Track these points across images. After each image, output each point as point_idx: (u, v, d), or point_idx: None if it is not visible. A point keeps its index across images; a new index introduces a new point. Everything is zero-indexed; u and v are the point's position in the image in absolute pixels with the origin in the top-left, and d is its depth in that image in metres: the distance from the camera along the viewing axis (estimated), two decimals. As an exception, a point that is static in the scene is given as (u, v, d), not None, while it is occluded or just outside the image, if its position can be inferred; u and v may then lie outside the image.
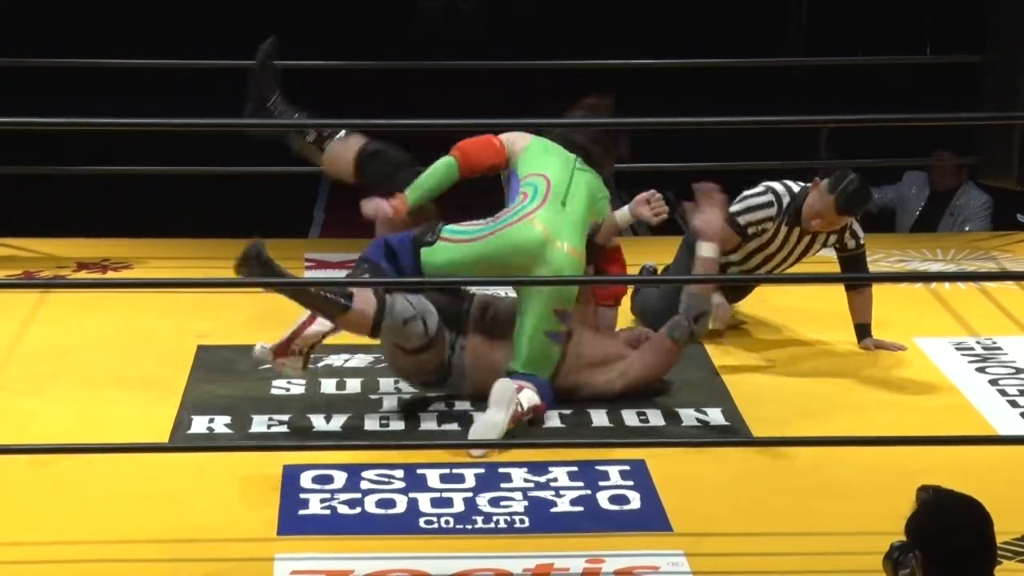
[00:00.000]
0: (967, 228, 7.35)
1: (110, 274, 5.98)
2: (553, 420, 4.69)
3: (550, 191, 4.78)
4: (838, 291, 5.41)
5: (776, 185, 5.32)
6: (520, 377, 4.61)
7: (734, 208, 5.23)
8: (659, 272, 5.50)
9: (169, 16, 11.33)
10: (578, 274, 4.78)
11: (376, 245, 4.74)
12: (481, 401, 4.71)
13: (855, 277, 5.41)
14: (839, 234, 5.29)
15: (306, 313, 4.65)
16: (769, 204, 5.29)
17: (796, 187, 5.32)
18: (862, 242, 5.34)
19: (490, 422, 4.47)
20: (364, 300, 4.54)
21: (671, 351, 4.81)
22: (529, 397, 4.58)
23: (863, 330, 5.32)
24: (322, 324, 4.62)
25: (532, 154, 4.87)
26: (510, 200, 4.84)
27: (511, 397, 4.50)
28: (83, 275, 6.02)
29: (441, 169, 4.81)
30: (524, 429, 4.55)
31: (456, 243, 4.71)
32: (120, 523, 4.06)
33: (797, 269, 5.46)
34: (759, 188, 5.34)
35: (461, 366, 4.76)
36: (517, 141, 4.89)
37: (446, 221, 4.79)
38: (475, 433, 4.47)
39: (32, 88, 7.83)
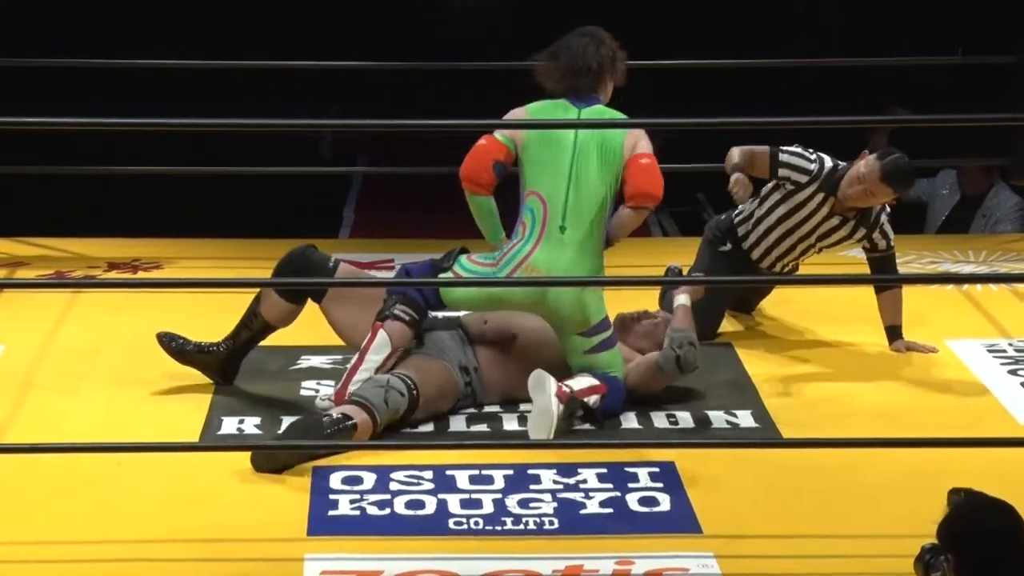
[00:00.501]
0: (999, 229, 7.33)
1: (141, 274, 6.00)
2: (577, 421, 4.68)
3: (547, 217, 4.67)
4: (867, 293, 5.39)
5: (826, 157, 5.28)
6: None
7: (783, 148, 5.22)
8: (684, 273, 5.49)
9: (197, 16, 11.36)
10: (595, 294, 4.74)
11: (400, 276, 4.80)
12: (510, 403, 4.73)
13: (884, 279, 5.39)
14: (868, 230, 5.26)
15: (354, 357, 4.69)
16: (811, 162, 5.23)
17: (843, 164, 5.26)
18: (892, 243, 5.32)
19: (538, 409, 4.47)
20: (363, 427, 4.49)
21: (659, 378, 4.79)
22: (579, 380, 4.59)
23: (894, 332, 5.31)
24: (370, 365, 4.66)
25: (530, 154, 4.70)
26: (517, 220, 4.74)
27: (545, 380, 4.49)
28: (114, 275, 6.04)
29: (478, 209, 4.74)
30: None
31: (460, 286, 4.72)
32: (150, 522, 4.07)
33: (825, 269, 5.44)
34: (812, 152, 5.30)
35: (481, 384, 4.77)
36: (516, 135, 4.72)
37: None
38: (531, 425, 4.48)
39: (66, 88, 7.87)
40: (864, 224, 5.28)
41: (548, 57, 4.81)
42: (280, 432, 4.51)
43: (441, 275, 4.72)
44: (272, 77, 9.12)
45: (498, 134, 4.72)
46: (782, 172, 5.26)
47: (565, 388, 4.54)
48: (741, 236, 5.39)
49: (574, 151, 4.70)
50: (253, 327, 4.85)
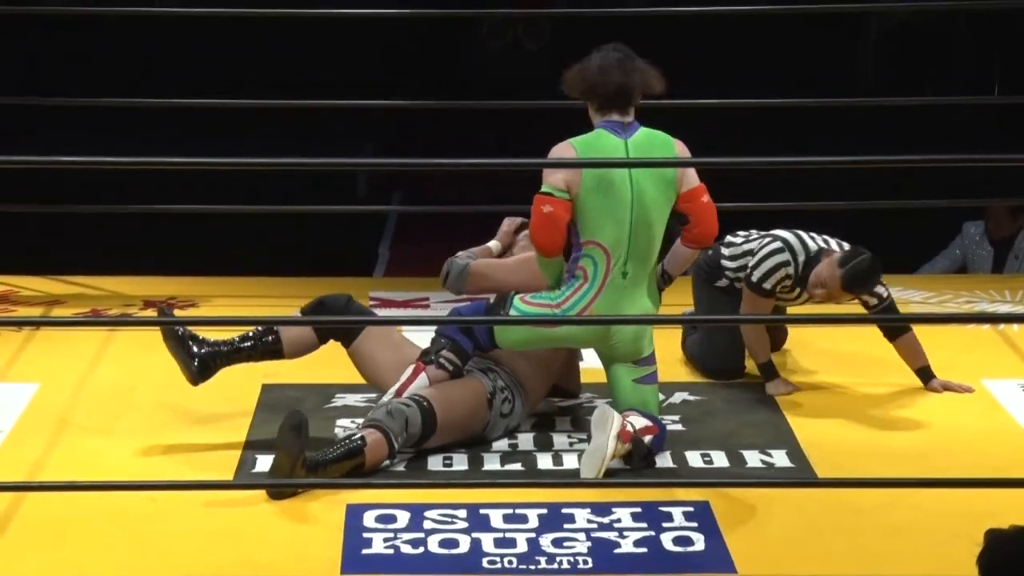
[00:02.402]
0: (1035, 268, 7.31)
1: (177, 312, 6.01)
2: (615, 461, 4.67)
3: (610, 265, 4.62)
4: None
5: (790, 238, 5.19)
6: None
7: (754, 275, 5.17)
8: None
9: (232, 55, 11.43)
10: (648, 333, 4.74)
11: (453, 317, 4.80)
12: (543, 417, 4.74)
13: (914, 318, 5.34)
14: (854, 295, 5.20)
15: (409, 370, 4.70)
16: (786, 263, 5.17)
17: (812, 244, 5.18)
18: (885, 296, 5.21)
19: (595, 448, 4.48)
20: (373, 450, 4.51)
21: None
22: (636, 420, 4.60)
23: (925, 373, 5.28)
24: (423, 380, 4.69)
25: (587, 203, 4.58)
26: (571, 269, 4.69)
27: (610, 418, 4.50)
28: (150, 313, 6.06)
29: (549, 267, 4.70)
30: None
31: (513, 327, 4.70)
32: (184, 559, 4.08)
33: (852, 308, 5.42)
34: (772, 245, 5.18)
35: (524, 396, 4.80)
36: (572, 183, 4.58)
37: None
38: (583, 462, 4.49)
39: (96, 126, 7.92)
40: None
41: (578, 70, 4.73)
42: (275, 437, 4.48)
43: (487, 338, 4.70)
44: (311, 116, 9.15)
45: (555, 191, 4.57)
46: (778, 288, 5.21)
47: (628, 428, 4.55)
48: (733, 279, 5.36)
49: (632, 194, 4.60)
50: (259, 342, 4.82)
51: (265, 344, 4.84)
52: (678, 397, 5.19)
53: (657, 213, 4.65)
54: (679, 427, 4.95)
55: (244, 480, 4.54)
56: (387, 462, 4.57)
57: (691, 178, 4.70)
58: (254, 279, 6.60)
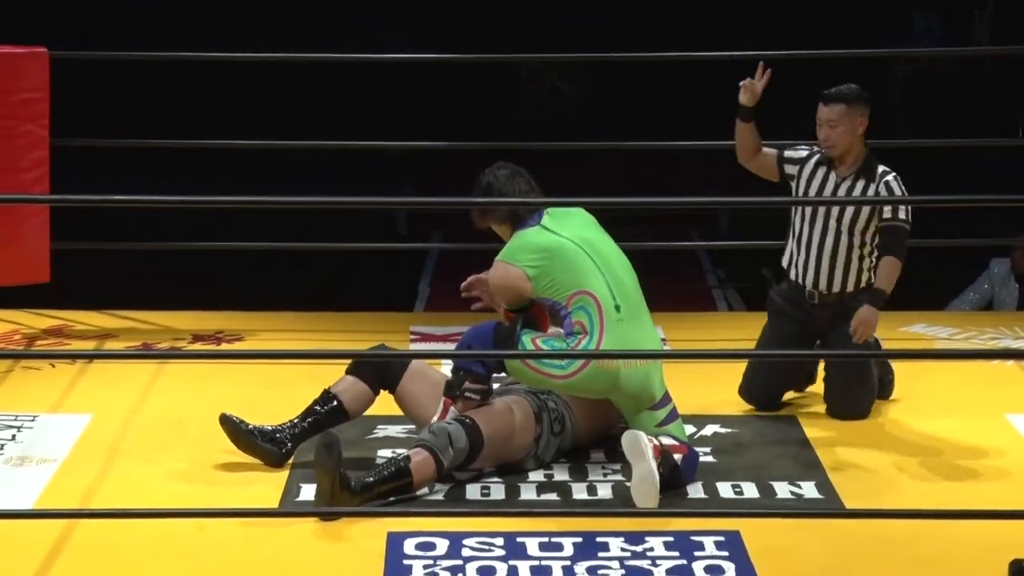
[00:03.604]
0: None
1: (224, 346, 6.04)
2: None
3: (601, 306, 4.68)
4: (926, 367, 5.33)
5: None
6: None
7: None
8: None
9: (272, 95, 11.50)
10: (657, 367, 4.75)
11: (463, 347, 4.77)
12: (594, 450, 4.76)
13: (939, 353, 5.32)
14: (868, 181, 5.17)
15: (439, 408, 4.73)
16: (801, 147, 5.30)
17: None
18: (901, 216, 5.14)
19: (640, 475, 4.49)
20: (420, 467, 4.54)
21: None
22: (665, 439, 4.62)
23: (875, 295, 5.11)
24: (454, 413, 4.72)
25: (544, 278, 4.70)
26: (567, 327, 4.69)
27: (641, 441, 4.51)
28: (198, 347, 6.08)
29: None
30: (622, 497, 4.54)
31: (537, 373, 4.67)
32: (231, 586, 4.09)
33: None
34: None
35: (573, 423, 4.81)
36: (524, 286, 4.73)
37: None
38: (635, 491, 4.50)
39: (151, 169, 7.97)
40: (864, 175, 5.19)
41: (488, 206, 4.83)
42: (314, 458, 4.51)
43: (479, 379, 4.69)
44: (356, 155, 9.20)
45: (509, 305, 4.77)
46: (787, 168, 5.27)
47: (657, 443, 4.56)
48: (788, 266, 5.33)
49: (576, 244, 4.74)
50: (323, 410, 4.82)
51: (330, 411, 4.81)
52: (709, 429, 5.18)
53: (610, 249, 4.80)
54: (710, 458, 4.93)
55: (289, 508, 4.55)
56: (436, 484, 4.58)
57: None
58: (298, 314, 6.63)
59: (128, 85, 11.10)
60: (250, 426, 4.82)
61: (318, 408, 4.83)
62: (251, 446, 4.80)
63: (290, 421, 4.83)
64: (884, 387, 5.43)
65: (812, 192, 5.26)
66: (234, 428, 4.82)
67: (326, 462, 4.41)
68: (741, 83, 5.29)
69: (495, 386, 4.86)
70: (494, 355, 4.69)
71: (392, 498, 4.53)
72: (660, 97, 12.20)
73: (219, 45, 6.97)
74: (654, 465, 4.49)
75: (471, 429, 4.62)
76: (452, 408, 4.72)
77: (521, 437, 4.73)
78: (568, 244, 4.74)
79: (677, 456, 4.61)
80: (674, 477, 4.60)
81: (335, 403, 4.82)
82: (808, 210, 5.25)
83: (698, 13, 13.19)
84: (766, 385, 5.34)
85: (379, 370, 4.86)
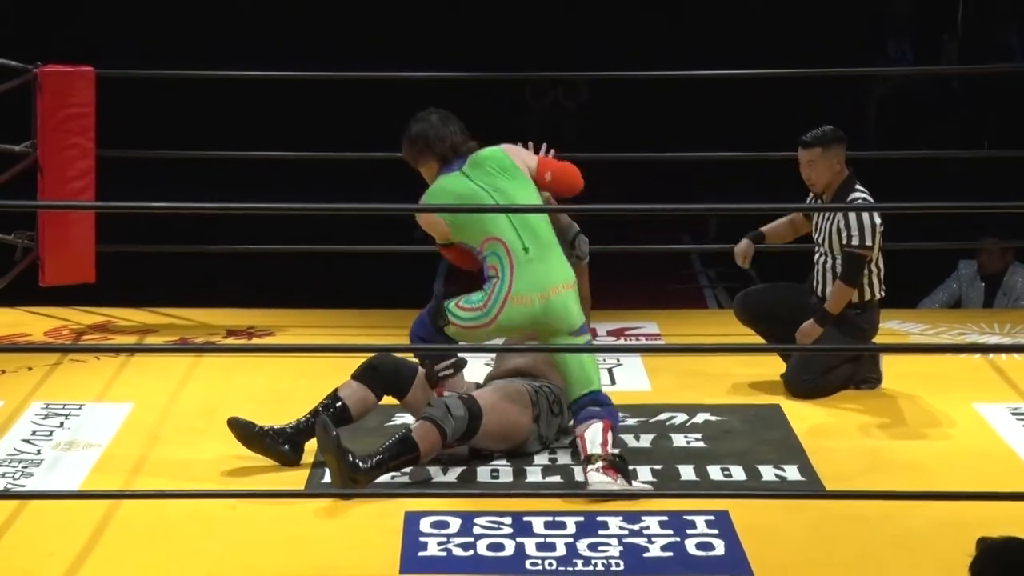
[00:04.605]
0: (1020, 304, 7.25)
1: (255, 340, 6.03)
2: (645, 474, 4.65)
3: (509, 249, 4.60)
4: (900, 360, 5.32)
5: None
6: (579, 413, 4.56)
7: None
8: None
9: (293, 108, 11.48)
10: (575, 298, 4.66)
11: (415, 339, 4.69)
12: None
13: (911, 348, 5.34)
14: (834, 200, 5.29)
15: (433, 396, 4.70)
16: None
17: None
18: (855, 243, 5.24)
19: (597, 485, 4.44)
20: (424, 438, 4.51)
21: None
22: (593, 438, 4.49)
23: (821, 315, 5.28)
24: (452, 387, 4.70)
25: (460, 221, 4.64)
26: (485, 275, 4.66)
27: (606, 480, 4.44)
28: (232, 341, 6.07)
29: None
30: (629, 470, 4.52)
31: (470, 329, 4.61)
32: (259, 560, 4.07)
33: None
34: None
35: (563, 407, 4.79)
36: (442, 231, 4.67)
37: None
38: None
39: (189, 177, 7.96)
40: (839, 201, 5.30)
41: (417, 141, 4.75)
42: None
43: (448, 332, 4.62)
44: (372, 165, 9.19)
45: (450, 240, 4.69)
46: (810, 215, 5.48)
47: (598, 454, 4.46)
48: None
49: (488, 191, 4.66)
50: (328, 413, 4.71)
51: (335, 412, 4.73)
52: (700, 417, 5.16)
53: (519, 191, 4.66)
54: (701, 444, 4.92)
55: (314, 490, 4.54)
56: (450, 467, 4.57)
57: (529, 159, 4.76)
58: (324, 310, 6.61)
59: (169, 99, 11.09)
60: (259, 427, 4.72)
61: (323, 410, 4.75)
62: (263, 447, 4.70)
63: (296, 421, 4.75)
64: (868, 383, 5.45)
65: (814, 222, 5.43)
66: (244, 431, 4.70)
67: (325, 444, 4.41)
68: (742, 262, 5.51)
69: (498, 382, 4.83)
70: (491, 349, 4.67)
71: (405, 470, 4.52)
72: (659, 109, 12.18)
73: (253, 62, 6.96)
74: (601, 477, 4.43)
75: (468, 400, 4.60)
76: (444, 393, 4.69)
77: (520, 415, 4.69)
78: (480, 192, 4.65)
79: (610, 439, 4.50)
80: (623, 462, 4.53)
81: (339, 404, 4.76)
82: (815, 233, 5.42)
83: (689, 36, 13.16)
84: (802, 370, 5.34)
85: (386, 378, 4.80)
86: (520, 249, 4.62)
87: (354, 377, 4.81)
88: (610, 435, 4.51)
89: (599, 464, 4.45)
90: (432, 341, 4.62)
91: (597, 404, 4.56)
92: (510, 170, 4.71)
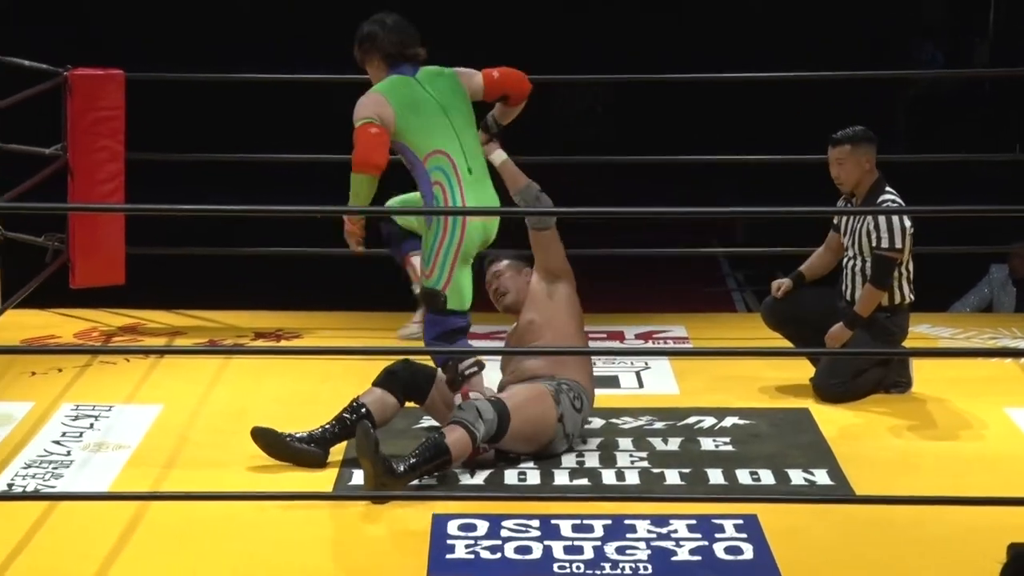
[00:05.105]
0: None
1: (283, 343, 6.05)
2: (673, 477, 4.65)
3: (456, 167, 4.73)
4: (930, 364, 5.31)
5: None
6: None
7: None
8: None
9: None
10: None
11: (433, 342, 4.80)
12: (608, 436, 4.70)
13: (943, 352, 5.33)
14: (864, 203, 5.30)
15: (458, 398, 4.73)
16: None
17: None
18: (884, 245, 5.26)
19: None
20: (456, 443, 4.53)
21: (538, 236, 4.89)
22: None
23: (850, 317, 5.29)
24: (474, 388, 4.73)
25: (408, 124, 4.72)
26: (424, 187, 4.75)
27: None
28: (260, 343, 6.09)
29: (365, 185, 4.73)
30: (648, 482, 4.52)
31: (450, 277, 4.72)
32: (288, 561, 4.09)
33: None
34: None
35: (583, 403, 4.79)
36: (383, 112, 4.71)
37: None
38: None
39: (217, 179, 7.99)
40: (869, 203, 5.31)
41: (366, 39, 4.84)
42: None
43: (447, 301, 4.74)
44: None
45: (374, 119, 4.70)
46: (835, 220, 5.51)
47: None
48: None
49: (441, 105, 4.76)
50: (352, 418, 4.74)
51: (359, 418, 4.74)
52: (729, 421, 5.15)
53: (466, 114, 4.81)
54: (730, 448, 4.91)
55: (342, 492, 4.55)
56: (477, 470, 4.59)
57: (474, 77, 4.88)
58: (350, 313, 6.63)
59: (197, 103, 11.13)
60: (283, 434, 4.73)
61: (347, 416, 4.76)
62: (290, 453, 4.70)
63: (320, 427, 4.76)
64: (898, 387, 5.44)
65: (842, 225, 5.42)
66: (269, 440, 4.71)
67: (365, 448, 4.42)
68: (776, 292, 5.50)
69: (518, 386, 4.83)
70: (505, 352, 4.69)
71: (435, 474, 4.53)
72: (685, 111, 12.18)
73: (280, 64, 6.99)
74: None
75: (497, 402, 4.61)
76: (471, 394, 4.69)
77: (545, 414, 4.70)
78: (433, 103, 4.75)
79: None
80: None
81: (363, 410, 4.77)
82: (844, 237, 5.41)
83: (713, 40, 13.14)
84: (832, 374, 5.34)
85: (405, 383, 4.81)
86: (465, 169, 4.74)
87: (375, 384, 4.83)
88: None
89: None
90: (446, 332, 4.70)
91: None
92: (461, 94, 4.82)
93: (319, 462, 4.70)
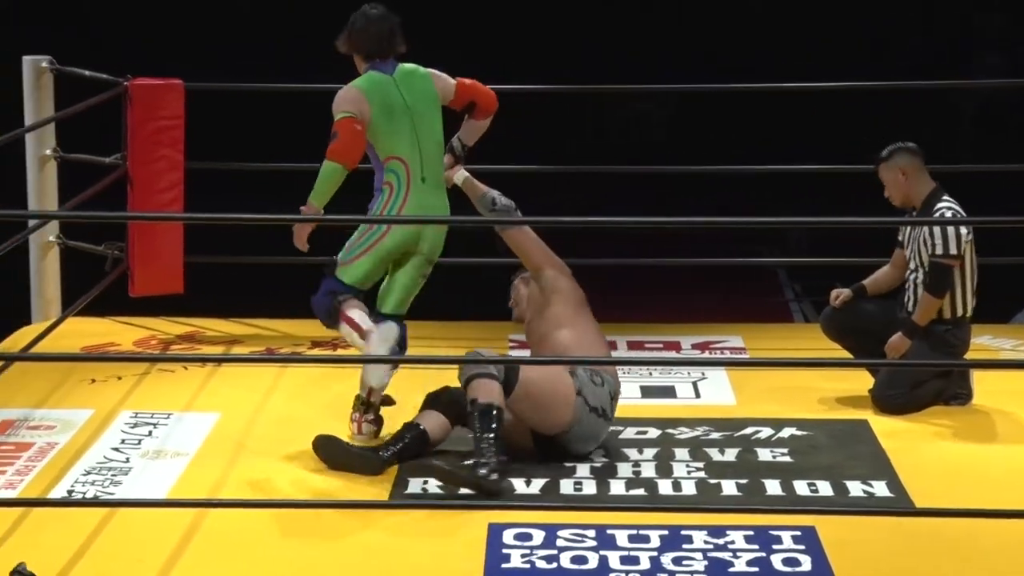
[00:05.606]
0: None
1: (340, 351, 6.07)
2: (730, 488, 4.63)
3: (410, 174, 4.91)
4: (991, 376, 5.27)
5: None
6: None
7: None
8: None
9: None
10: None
11: (320, 311, 5.00)
12: (664, 447, 4.69)
13: (1004, 364, 5.30)
14: (921, 213, 5.31)
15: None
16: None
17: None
18: (939, 252, 5.25)
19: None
20: (482, 389, 4.65)
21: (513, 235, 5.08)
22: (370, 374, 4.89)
23: (908, 325, 5.28)
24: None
25: (379, 127, 4.91)
26: (377, 183, 4.95)
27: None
28: (316, 352, 6.12)
29: (333, 176, 4.87)
30: (705, 493, 4.51)
31: (364, 253, 4.93)
32: (344, 570, 4.10)
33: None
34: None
35: (604, 379, 4.82)
36: (363, 109, 4.90)
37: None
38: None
39: (275, 188, 8.05)
40: (924, 213, 5.32)
41: (349, 32, 5.01)
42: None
43: (340, 276, 4.96)
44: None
45: (356, 115, 4.88)
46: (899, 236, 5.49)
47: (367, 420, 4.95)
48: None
49: (411, 112, 4.94)
50: (410, 436, 4.78)
51: (415, 439, 4.78)
52: (787, 432, 5.13)
53: (434, 124, 4.97)
54: (787, 458, 4.90)
55: (398, 500, 4.57)
56: (533, 479, 4.60)
57: (447, 81, 5.05)
58: (410, 322, 6.63)
59: (256, 112, 11.21)
60: (344, 444, 4.80)
61: (407, 435, 4.79)
62: (349, 460, 4.74)
63: (383, 443, 4.80)
64: (958, 400, 5.40)
65: (905, 239, 5.43)
66: (332, 449, 4.76)
67: (455, 479, 4.52)
68: (835, 301, 5.48)
69: None
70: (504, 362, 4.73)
71: (493, 477, 4.53)
72: (743, 120, 12.14)
73: (332, 76, 7.02)
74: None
75: (506, 364, 4.69)
76: (350, 313, 4.88)
77: (559, 381, 4.74)
78: (403, 109, 4.92)
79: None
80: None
81: (420, 429, 4.81)
82: (906, 251, 5.42)
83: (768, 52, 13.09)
84: (891, 385, 5.32)
85: (447, 404, 4.83)
86: (418, 177, 4.92)
87: (425, 407, 4.88)
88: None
89: (371, 415, 4.95)
90: (327, 292, 4.95)
91: (399, 342, 4.90)
92: (431, 99, 4.98)
93: (377, 470, 4.73)
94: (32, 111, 6.26)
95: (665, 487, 4.66)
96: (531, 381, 4.70)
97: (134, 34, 12.60)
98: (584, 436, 4.80)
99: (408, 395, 5.08)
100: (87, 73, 6.33)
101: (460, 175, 5.10)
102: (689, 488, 4.65)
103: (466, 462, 4.57)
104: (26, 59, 6.31)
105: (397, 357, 4.93)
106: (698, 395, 5.58)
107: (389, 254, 4.97)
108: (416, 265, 4.98)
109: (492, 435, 4.57)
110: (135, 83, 6.25)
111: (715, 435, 5.08)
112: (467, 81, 5.08)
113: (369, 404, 4.99)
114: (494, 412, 4.58)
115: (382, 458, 4.73)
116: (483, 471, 4.50)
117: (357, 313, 4.86)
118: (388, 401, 5.06)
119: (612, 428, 4.97)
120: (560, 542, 4.23)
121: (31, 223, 5.96)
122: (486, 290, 8.65)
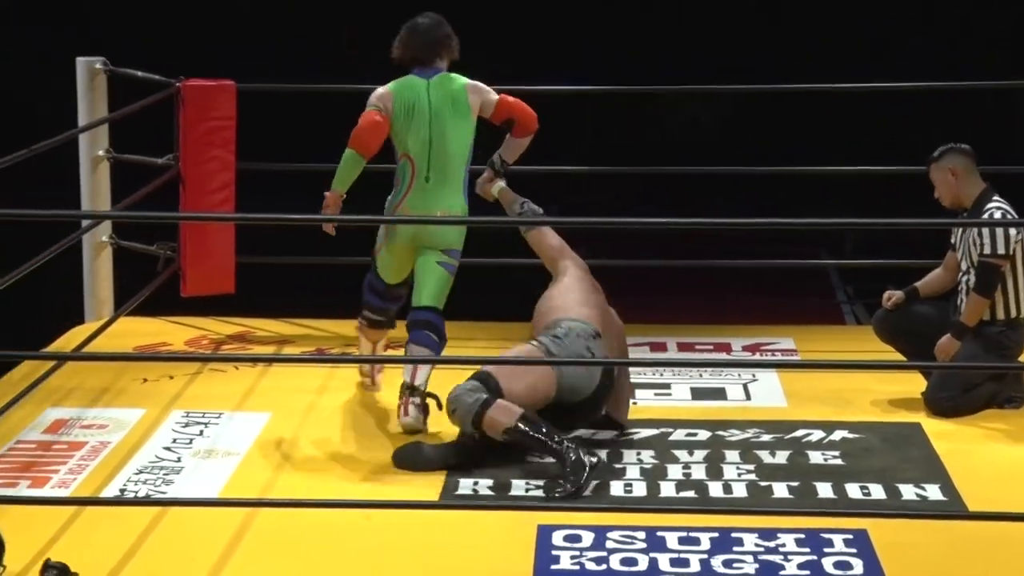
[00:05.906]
0: None
1: (390, 351, 6.09)
2: (781, 491, 4.61)
3: (414, 173, 5.18)
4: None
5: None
6: (418, 329, 5.20)
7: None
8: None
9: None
10: (463, 230, 5.26)
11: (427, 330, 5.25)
12: (715, 449, 4.68)
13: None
14: (974, 216, 5.29)
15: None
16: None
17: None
18: (987, 252, 5.24)
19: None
20: (500, 416, 4.69)
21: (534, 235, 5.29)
22: (424, 369, 5.09)
23: (957, 327, 5.26)
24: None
25: (399, 123, 5.19)
26: (394, 178, 5.27)
27: (418, 418, 5.04)
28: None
29: (350, 162, 5.18)
30: (756, 495, 4.49)
31: (379, 252, 5.34)
32: (393, 570, 4.11)
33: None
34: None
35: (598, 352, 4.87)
36: (388, 106, 5.20)
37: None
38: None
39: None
40: (974, 213, 5.30)
41: (398, 39, 5.27)
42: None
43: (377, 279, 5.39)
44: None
45: (378, 107, 5.19)
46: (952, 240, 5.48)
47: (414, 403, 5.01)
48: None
49: (430, 116, 5.18)
50: (472, 441, 4.79)
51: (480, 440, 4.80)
52: (838, 435, 5.11)
53: (453, 132, 5.18)
54: (839, 461, 4.87)
55: (448, 501, 4.58)
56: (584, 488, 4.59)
57: (489, 95, 5.26)
58: (458, 323, 6.63)
59: (306, 113, 11.25)
60: (425, 449, 4.83)
61: (469, 441, 4.80)
62: (434, 463, 4.78)
63: (456, 445, 4.82)
64: (1012, 403, 5.36)
65: (957, 242, 5.42)
66: (409, 460, 4.79)
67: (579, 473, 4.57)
68: (887, 303, 5.49)
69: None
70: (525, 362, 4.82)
71: (538, 482, 4.58)
72: (796, 121, 12.09)
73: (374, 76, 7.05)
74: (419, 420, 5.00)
75: (478, 373, 4.76)
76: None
77: (531, 355, 4.82)
78: (425, 110, 5.17)
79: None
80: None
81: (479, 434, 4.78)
82: (958, 253, 5.41)
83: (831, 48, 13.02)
84: (943, 388, 5.29)
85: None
86: (423, 177, 5.19)
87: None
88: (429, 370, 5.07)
89: (418, 399, 5.01)
90: (368, 284, 5.39)
91: (436, 332, 5.19)
92: (461, 107, 5.19)
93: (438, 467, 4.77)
94: (86, 112, 6.32)
95: (716, 489, 4.65)
96: (506, 375, 4.74)
97: (187, 35, 12.67)
98: (575, 387, 4.82)
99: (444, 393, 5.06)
100: (140, 74, 6.37)
101: (496, 187, 5.34)
102: (740, 490, 4.63)
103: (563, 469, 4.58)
104: (80, 60, 6.36)
105: (441, 358, 4.98)
106: (749, 397, 5.56)
107: (401, 247, 5.27)
108: (432, 256, 5.22)
109: (543, 435, 4.57)
110: (187, 84, 6.30)
111: (766, 437, 5.06)
112: (510, 99, 5.26)
113: (414, 388, 5.03)
114: (525, 421, 4.59)
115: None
116: (572, 456, 4.56)
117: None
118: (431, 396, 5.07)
119: (662, 430, 4.96)
120: (610, 544, 4.23)
121: (84, 223, 6.02)
122: (519, 291, 8.66)
